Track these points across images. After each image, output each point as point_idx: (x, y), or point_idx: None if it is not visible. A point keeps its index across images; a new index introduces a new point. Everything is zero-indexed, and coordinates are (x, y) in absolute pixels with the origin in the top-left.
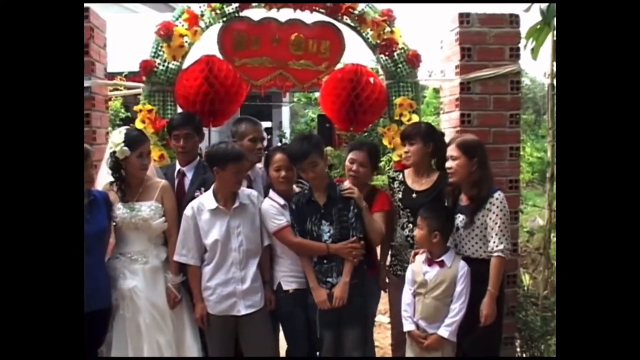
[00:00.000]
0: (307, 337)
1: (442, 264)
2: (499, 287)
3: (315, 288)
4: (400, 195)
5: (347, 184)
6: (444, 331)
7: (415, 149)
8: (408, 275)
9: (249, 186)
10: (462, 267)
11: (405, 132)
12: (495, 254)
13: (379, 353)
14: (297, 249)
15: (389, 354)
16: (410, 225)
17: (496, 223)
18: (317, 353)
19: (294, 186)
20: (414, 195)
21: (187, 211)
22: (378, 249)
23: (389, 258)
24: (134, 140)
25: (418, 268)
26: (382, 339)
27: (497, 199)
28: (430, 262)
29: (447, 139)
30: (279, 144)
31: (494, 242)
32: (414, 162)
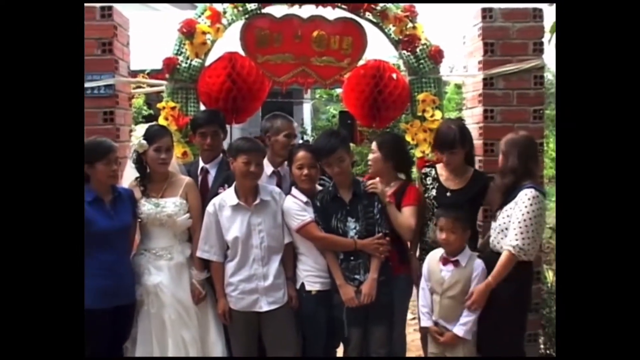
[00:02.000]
0: (325, 336)
1: (457, 264)
2: (499, 280)
3: (342, 285)
4: (434, 193)
5: (376, 180)
6: (460, 330)
7: (457, 157)
8: (424, 271)
9: (278, 183)
10: (477, 267)
11: (442, 141)
12: (506, 248)
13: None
14: (324, 244)
15: (412, 350)
16: None
17: (517, 219)
18: (336, 351)
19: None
20: (448, 194)
21: (209, 208)
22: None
23: (418, 253)
24: (153, 134)
25: (434, 266)
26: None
27: (525, 194)
28: (445, 260)
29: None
30: (301, 141)
31: (510, 238)
32: (456, 167)
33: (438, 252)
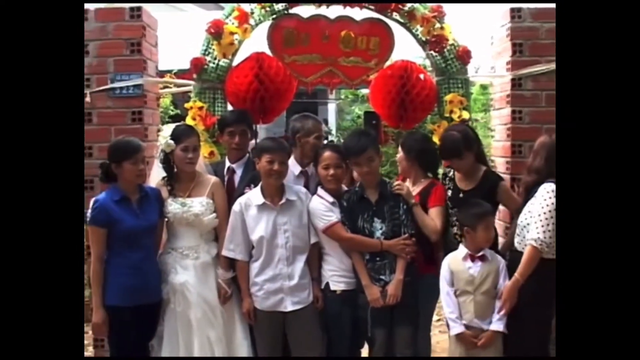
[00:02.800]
0: (350, 337)
1: (484, 258)
2: (526, 276)
3: (368, 286)
4: (449, 194)
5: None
6: (499, 325)
7: (465, 162)
8: (445, 275)
9: (306, 183)
10: (501, 260)
11: (447, 150)
12: (528, 243)
13: None
14: (350, 245)
15: (437, 352)
16: (458, 224)
17: (537, 212)
18: (361, 351)
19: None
20: (460, 195)
21: (235, 207)
22: None
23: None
24: (179, 134)
25: (459, 266)
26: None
27: (544, 188)
28: (472, 257)
29: (498, 136)
30: (325, 141)
31: (531, 232)
32: (467, 171)
33: (459, 253)
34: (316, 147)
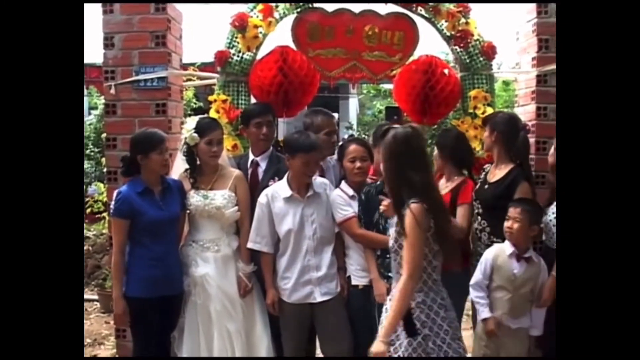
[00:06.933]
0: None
1: (529, 260)
2: None
3: (375, 280)
4: (477, 186)
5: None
6: (537, 331)
7: (484, 135)
8: (485, 268)
9: (321, 176)
10: (542, 262)
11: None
12: None
13: None
14: (360, 240)
15: None
16: (479, 218)
17: None
18: None
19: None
20: (486, 186)
21: (262, 199)
22: None
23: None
24: (204, 127)
25: (504, 263)
26: None
27: None
28: (519, 257)
29: None
30: (346, 136)
31: None
32: (484, 149)
33: (505, 249)
34: (327, 142)
